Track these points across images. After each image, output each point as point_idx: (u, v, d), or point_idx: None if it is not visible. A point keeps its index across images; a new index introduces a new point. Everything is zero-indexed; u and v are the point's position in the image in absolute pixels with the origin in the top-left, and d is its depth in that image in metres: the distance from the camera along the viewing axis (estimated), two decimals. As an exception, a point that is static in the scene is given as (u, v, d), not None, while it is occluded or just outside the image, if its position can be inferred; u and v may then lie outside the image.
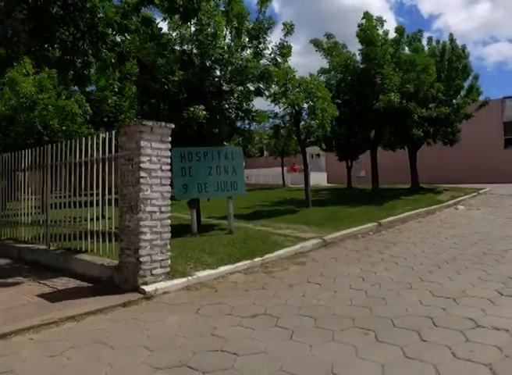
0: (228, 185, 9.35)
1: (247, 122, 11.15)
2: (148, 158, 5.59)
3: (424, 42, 20.95)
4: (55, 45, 8.43)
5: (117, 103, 13.43)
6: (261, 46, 10.35)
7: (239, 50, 10.17)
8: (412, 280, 5.68)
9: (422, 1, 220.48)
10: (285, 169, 32.86)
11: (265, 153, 42.19)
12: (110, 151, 6.28)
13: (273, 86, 11.37)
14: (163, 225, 5.74)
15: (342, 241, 8.95)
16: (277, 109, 15.20)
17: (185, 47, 10.56)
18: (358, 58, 18.42)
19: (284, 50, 10.99)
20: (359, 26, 17.65)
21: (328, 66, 18.89)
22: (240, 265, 6.64)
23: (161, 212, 5.72)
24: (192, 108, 8.96)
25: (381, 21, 18.16)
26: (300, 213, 13.22)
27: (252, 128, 11.40)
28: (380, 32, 17.91)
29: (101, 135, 6.47)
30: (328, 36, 19.07)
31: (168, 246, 5.83)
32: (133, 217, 5.59)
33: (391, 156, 24.55)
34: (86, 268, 6.41)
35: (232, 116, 10.88)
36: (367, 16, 17.60)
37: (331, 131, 15.06)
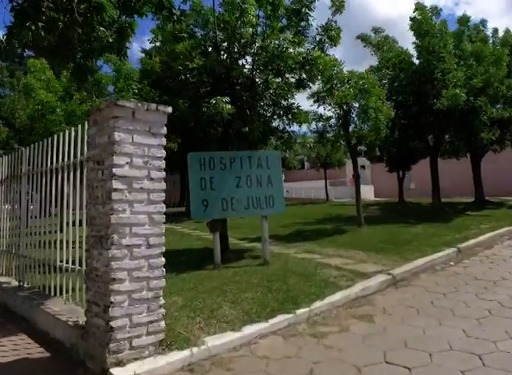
0: (261, 201, 7.17)
1: (286, 122, 9.00)
2: (127, 159, 3.51)
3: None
4: (40, 24, 6.52)
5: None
6: (302, 24, 8.20)
7: (275, 31, 8.06)
8: None
9: (461, 10, 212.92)
10: (328, 181, 30.39)
11: (306, 165, 39.76)
12: (82, 153, 4.27)
13: (319, 77, 9.18)
14: (152, 266, 3.62)
15: (416, 276, 6.56)
16: (321, 110, 13.07)
17: (210, 33, 8.56)
18: (413, 52, 16.02)
19: (332, 32, 8.80)
20: (411, 20, 15.23)
21: (377, 64, 16.58)
22: (276, 322, 4.39)
23: (149, 245, 3.60)
24: (213, 101, 6.88)
25: (436, 11, 15.70)
26: (352, 234, 10.86)
27: (292, 130, 9.17)
28: (437, 22, 15.38)
29: (73, 130, 4.47)
30: (377, 30, 16.81)
31: (161, 299, 3.70)
32: (102, 254, 3.51)
33: (444, 166, 21.74)
34: (49, 324, 4.37)
35: (268, 114, 8.78)
36: (419, 6, 15.10)
37: (384, 137, 12.77)
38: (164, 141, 3.77)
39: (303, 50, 8.42)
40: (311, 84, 9.05)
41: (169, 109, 3.80)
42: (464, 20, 16.29)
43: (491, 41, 17.52)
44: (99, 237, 3.55)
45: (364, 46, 16.67)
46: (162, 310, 3.68)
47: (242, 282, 5.69)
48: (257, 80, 8.45)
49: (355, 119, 12.30)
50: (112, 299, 3.37)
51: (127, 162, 3.51)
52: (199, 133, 9.18)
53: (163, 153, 3.76)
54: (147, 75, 8.59)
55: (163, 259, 3.71)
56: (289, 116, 8.87)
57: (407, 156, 20.12)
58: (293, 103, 8.96)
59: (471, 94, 14.14)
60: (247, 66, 8.34)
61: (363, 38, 16.61)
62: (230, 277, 6.00)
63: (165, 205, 3.75)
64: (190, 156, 6.89)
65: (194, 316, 4.33)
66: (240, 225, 12.28)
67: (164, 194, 3.75)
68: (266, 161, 7.28)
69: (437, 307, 5.00)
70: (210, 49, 8.38)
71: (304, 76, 8.61)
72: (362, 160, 28.36)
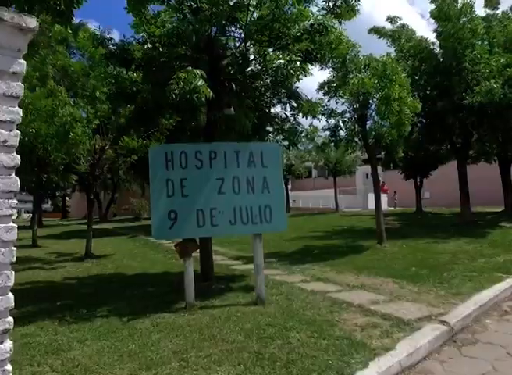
0: (254, 213, 5.09)
1: (289, 110, 7.01)
2: None
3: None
4: None
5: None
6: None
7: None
8: None
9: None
10: (338, 190, 28.27)
11: (314, 172, 37.61)
12: None
13: (330, 54, 7.18)
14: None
15: (480, 323, 4.45)
16: (333, 104, 11.12)
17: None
18: (435, 41, 13.98)
19: (349, -4, 6.83)
20: (433, 1, 13.21)
21: (395, 55, 14.52)
22: None
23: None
24: (183, 74, 4.84)
25: None
26: (373, 252, 8.78)
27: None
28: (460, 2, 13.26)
29: None
30: (392, 19, 14.87)
31: None
32: None
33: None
34: None
35: (266, 99, 6.80)
36: None
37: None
38: (19, 88, 1.77)
39: (311, 14, 6.45)
40: (320, 63, 7.08)
41: (33, 22, 1.81)
42: (493, 1, 14.16)
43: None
44: None
45: (379, 37, 14.74)
46: None
47: (218, 340, 3.64)
48: (250, 53, 6.49)
49: (373, 114, 10.30)
50: None
51: None
52: (179, 123, 7.26)
53: (17, 114, 1.76)
54: (101, 42, 6.59)
55: (8, 345, 1.68)
56: (293, 103, 6.90)
57: (426, 161, 18.03)
58: (298, 87, 7.03)
59: (506, 87, 12.11)
60: (236, 35, 6.39)
61: (376, 31, 14.70)
62: (203, 329, 3.96)
63: (16, 226, 1.75)
64: (154, 150, 4.92)
65: None
66: (233, 239, 10.27)
67: (16, 201, 1.75)
68: (261, 157, 5.22)
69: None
70: (188, 16, 6.42)
71: (312, 47, 6.63)
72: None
